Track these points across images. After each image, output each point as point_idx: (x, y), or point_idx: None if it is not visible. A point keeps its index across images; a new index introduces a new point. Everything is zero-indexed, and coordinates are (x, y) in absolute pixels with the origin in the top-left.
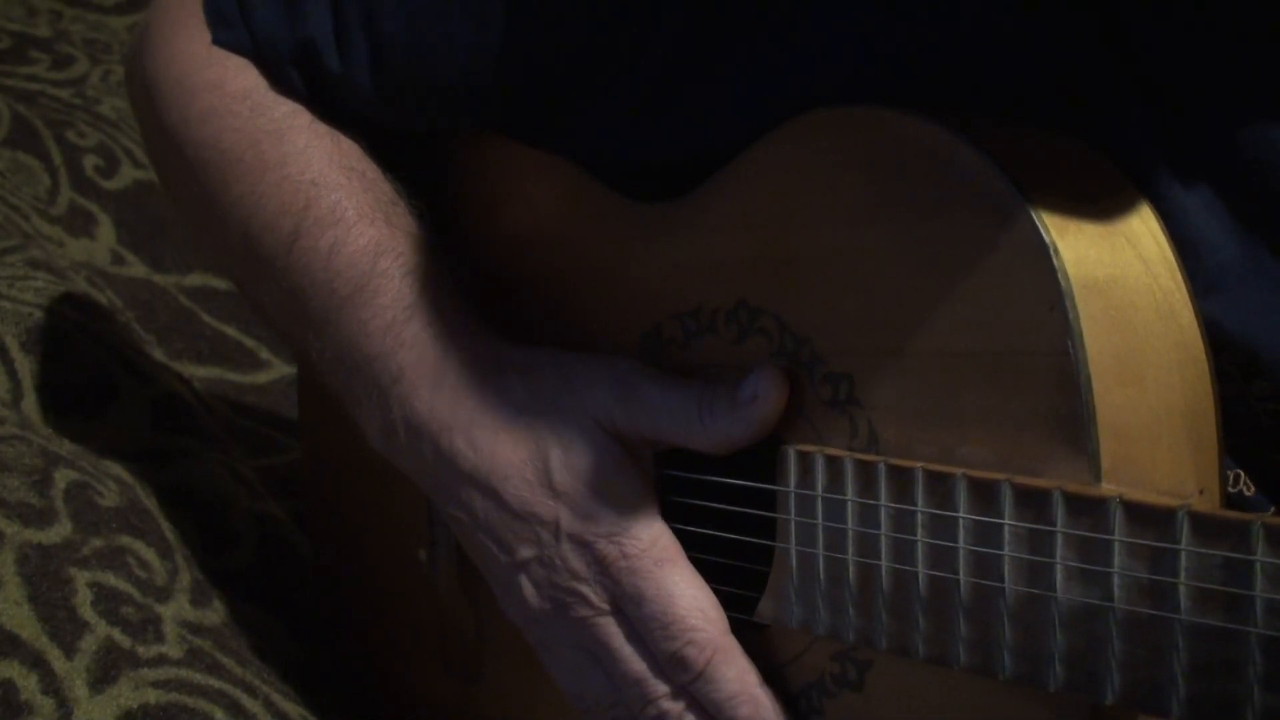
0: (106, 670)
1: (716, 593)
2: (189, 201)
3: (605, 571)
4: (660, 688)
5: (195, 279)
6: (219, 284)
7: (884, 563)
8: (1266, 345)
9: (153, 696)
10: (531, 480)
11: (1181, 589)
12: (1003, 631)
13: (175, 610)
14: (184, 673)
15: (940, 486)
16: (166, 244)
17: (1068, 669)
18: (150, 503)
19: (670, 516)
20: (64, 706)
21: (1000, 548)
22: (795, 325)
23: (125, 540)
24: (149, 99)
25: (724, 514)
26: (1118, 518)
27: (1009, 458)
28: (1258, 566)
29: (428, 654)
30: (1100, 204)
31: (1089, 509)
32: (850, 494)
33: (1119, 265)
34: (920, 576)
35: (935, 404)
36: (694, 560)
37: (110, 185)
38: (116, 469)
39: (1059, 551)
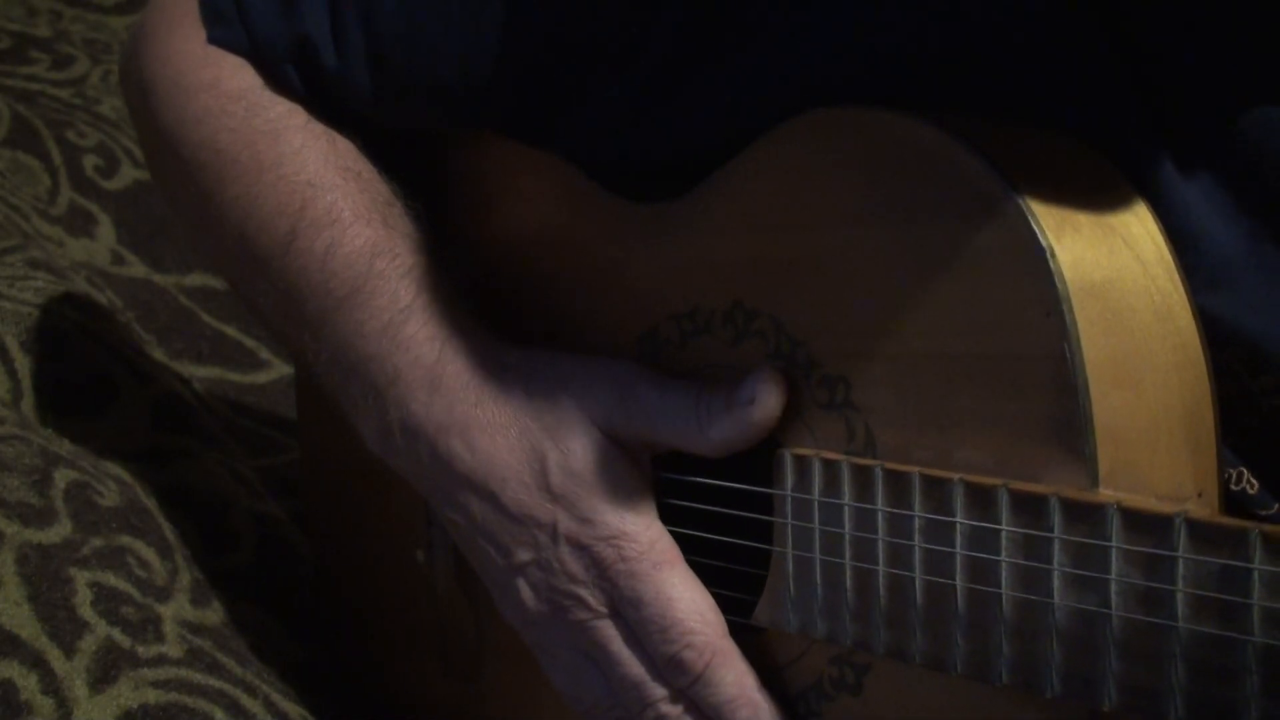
0: (106, 670)
1: (714, 596)
2: (185, 202)
3: (603, 574)
4: (658, 691)
5: (195, 279)
6: (219, 284)
7: (881, 567)
8: (1271, 339)
9: (153, 696)
10: (529, 483)
11: (1179, 596)
12: (999, 638)
13: (175, 610)
14: (184, 672)
15: (937, 491)
16: (166, 244)
17: (1065, 676)
18: (150, 503)
19: (668, 519)
20: (64, 706)
21: (997, 553)
22: (792, 327)
23: (125, 540)
24: (145, 99)
25: (721, 517)
26: (1115, 524)
27: (1006, 462)
28: (1255, 574)
29: (427, 654)
30: (1098, 206)
31: (1086, 515)
32: (847, 498)
33: (1116, 268)
34: (917, 582)
35: (932, 408)
36: (692, 563)
37: (110, 185)
38: (116, 469)
39: (1056, 557)
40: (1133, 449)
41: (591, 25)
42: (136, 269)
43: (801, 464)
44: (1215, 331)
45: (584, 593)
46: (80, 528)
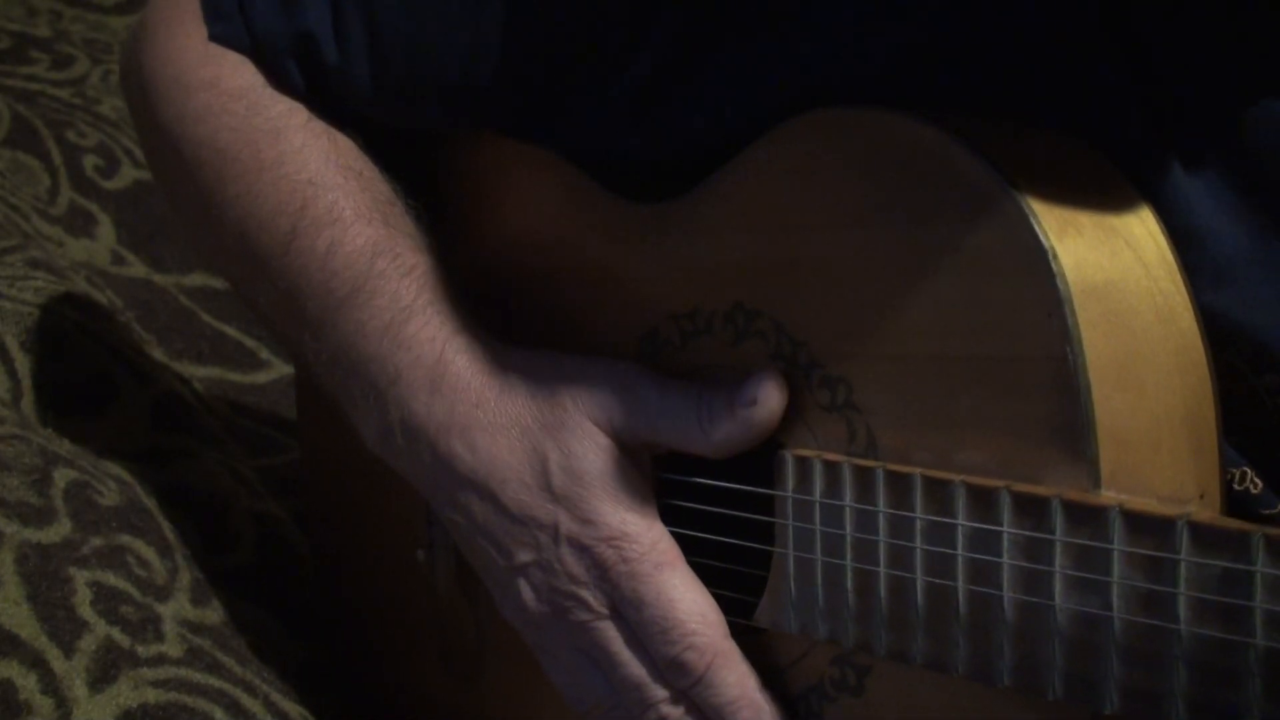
0: (106, 670)
1: (716, 597)
2: (185, 200)
3: (604, 575)
4: (660, 692)
5: (195, 279)
6: (219, 284)
7: (882, 569)
8: (1276, 337)
9: (152, 696)
10: (530, 484)
11: (1181, 599)
12: (1001, 640)
13: (175, 609)
14: (184, 672)
15: (939, 493)
16: (166, 244)
17: (1066, 678)
18: (150, 502)
19: (669, 520)
20: (63, 706)
21: (999, 555)
22: (792, 328)
23: (125, 539)
24: (145, 97)
25: (722, 518)
26: (1117, 527)
27: (1008, 463)
28: (1258, 577)
29: (427, 654)
30: (1100, 207)
31: (1088, 517)
32: (848, 499)
33: (1118, 269)
34: (918, 583)
35: (933, 409)
36: (693, 564)
37: (110, 185)
38: (116, 469)
39: (1058, 560)
40: (1135, 451)
41: (592, 25)
42: (136, 269)
43: (803, 465)
44: (1219, 329)
45: (585, 594)
46: (80, 527)
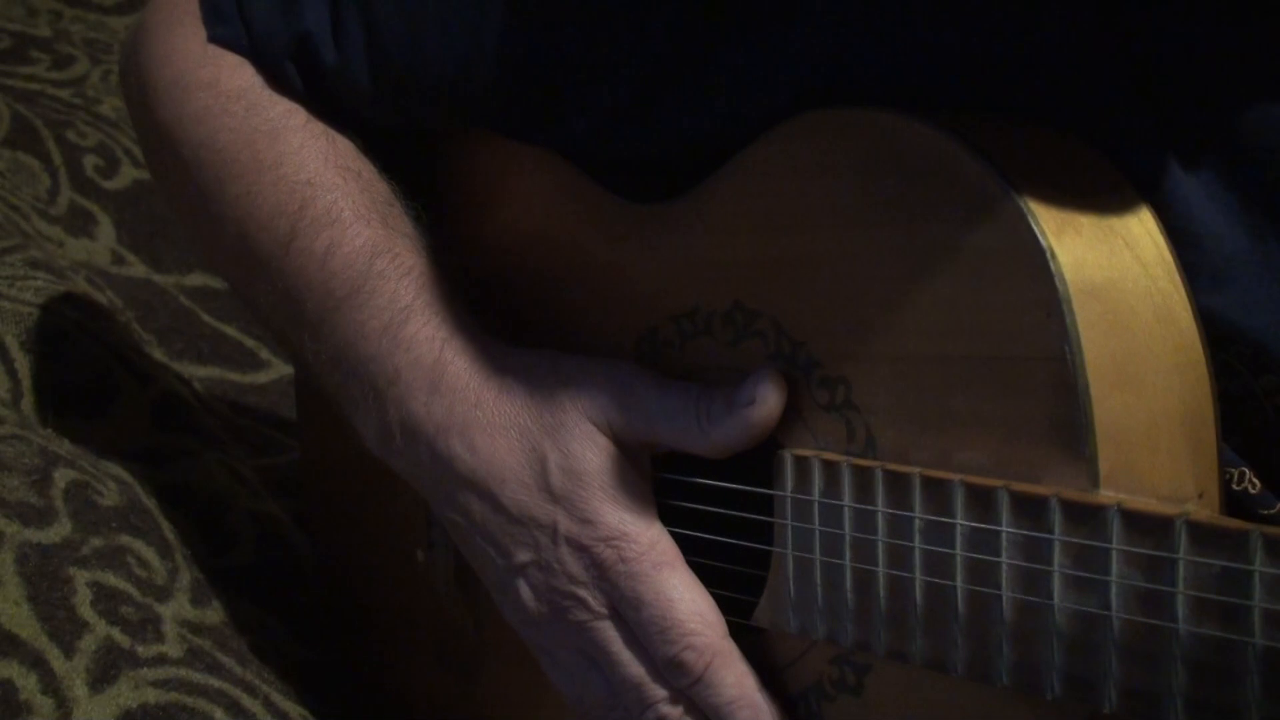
0: (106, 670)
1: (715, 597)
2: (185, 201)
3: (603, 575)
4: (659, 692)
5: (195, 279)
6: (219, 284)
7: (881, 569)
8: (1275, 338)
9: (152, 696)
10: (529, 484)
11: (1179, 598)
12: (1000, 639)
13: (175, 610)
14: (184, 672)
15: (937, 492)
16: (166, 244)
17: (1065, 677)
18: (150, 502)
19: (668, 520)
20: (63, 706)
21: (997, 554)
22: (792, 328)
23: (125, 540)
24: (144, 98)
25: (721, 518)
26: (1115, 526)
27: (1007, 463)
28: (1256, 576)
29: (427, 654)
30: (1098, 206)
31: (1087, 516)
32: (847, 499)
33: (1117, 269)
34: (917, 583)
35: (932, 408)
36: (692, 564)
37: (110, 185)
38: (116, 469)
39: (1056, 559)
40: (1133, 450)
41: (591, 24)
42: (136, 269)
43: (802, 465)
44: (1218, 330)
45: (584, 594)
46: (80, 527)
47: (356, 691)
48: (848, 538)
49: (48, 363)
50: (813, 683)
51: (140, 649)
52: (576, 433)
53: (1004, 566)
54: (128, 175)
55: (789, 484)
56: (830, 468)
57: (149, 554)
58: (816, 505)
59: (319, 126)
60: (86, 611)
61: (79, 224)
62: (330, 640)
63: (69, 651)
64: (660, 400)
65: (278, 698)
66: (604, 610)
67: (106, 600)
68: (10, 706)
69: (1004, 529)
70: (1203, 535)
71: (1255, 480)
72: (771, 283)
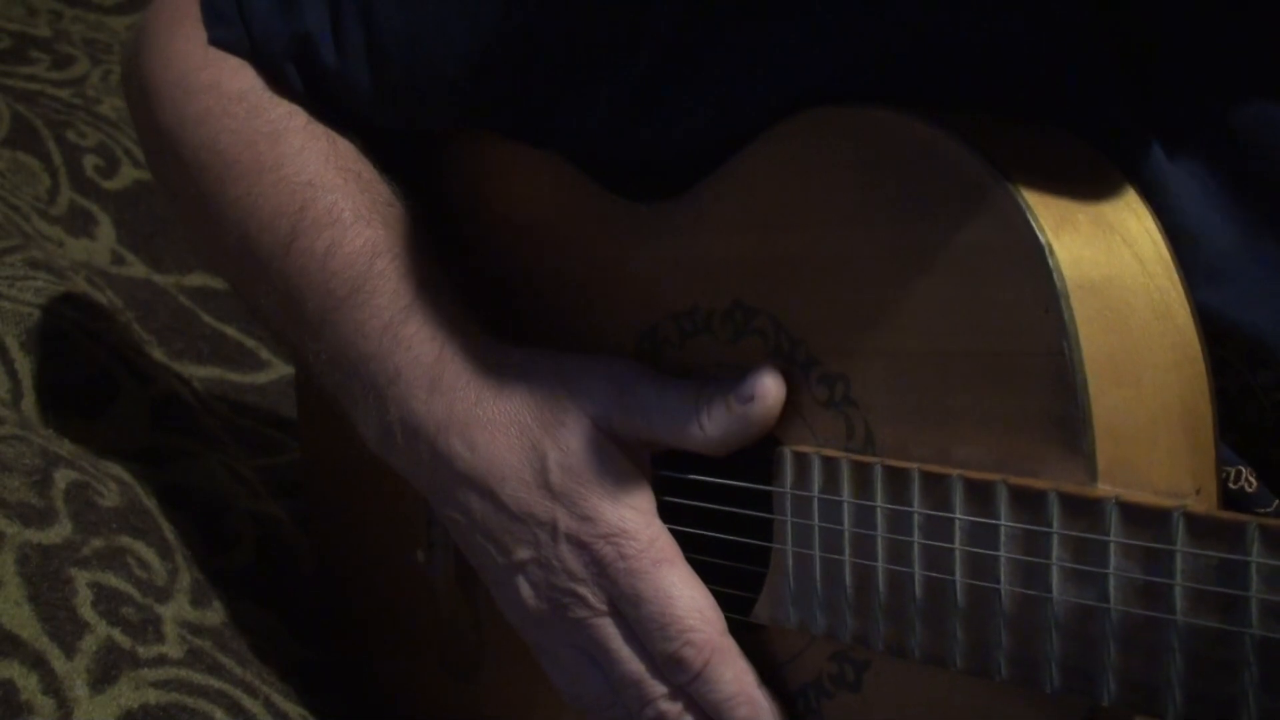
0: (106, 670)
1: (714, 593)
2: (186, 202)
3: (603, 572)
4: (658, 688)
5: (195, 279)
6: (219, 284)
7: (880, 564)
8: (1271, 334)
9: (153, 697)
10: (529, 481)
11: (1177, 590)
12: (999, 633)
13: (175, 610)
14: (184, 673)
15: (936, 487)
16: (166, 244)
17: (1064, 670)
18: (150, 503)
19: (667, 517)
20: (64, 707)
21: (996, 549)
22: (791, 326)
23: (125, 540)
24: (145, 100)
25: (721, 515)
26: (1113, 519)
27: (1005, 458)
28: (1253, 567)
29: (427, 653)
30: (1096, 203)
31: (1085, 510)
32: (846, 495)
33: (1115, 265)
34: (916, 578)
35: (931, 404)
36: (691, 561)
37: (110, 185)
38: (116, 469)
39: (1055, 552)
40: (1131, 446)
41: (590, 23)
42: (136, 269)
43: (801, 461)
44: (1214, 326)
45: (584, 590)
46: (80, 528)
47: (356, 692)
48: (847, 533)
49: (48, 363)
50: (812, 679)
51: (141, 650)
52: (576, 430)
53: (1003, 560)
54: (128, 175)
55: (788, 480)
56: (829, 464)
57: (149, 555)
58: (816, 501)
59: (320, 128)
60: (87, 612)
61: (79, 224)
62: (330, 640)
63: (70, 652)
64: (660, 398)
65: (278, 698)
66: (603, 607)
67: (107, 601)
68: (11, 707)
69: (1003, 523)
70: (1200, 527)
71: (1252, 479)
72: (771, 280)
